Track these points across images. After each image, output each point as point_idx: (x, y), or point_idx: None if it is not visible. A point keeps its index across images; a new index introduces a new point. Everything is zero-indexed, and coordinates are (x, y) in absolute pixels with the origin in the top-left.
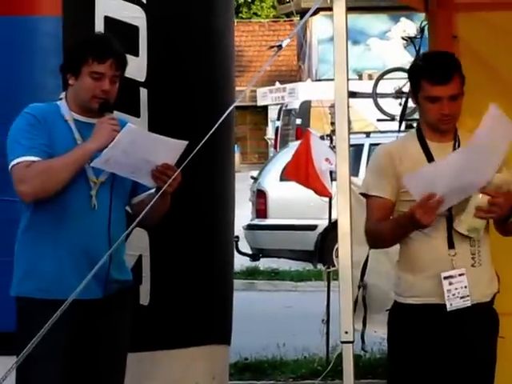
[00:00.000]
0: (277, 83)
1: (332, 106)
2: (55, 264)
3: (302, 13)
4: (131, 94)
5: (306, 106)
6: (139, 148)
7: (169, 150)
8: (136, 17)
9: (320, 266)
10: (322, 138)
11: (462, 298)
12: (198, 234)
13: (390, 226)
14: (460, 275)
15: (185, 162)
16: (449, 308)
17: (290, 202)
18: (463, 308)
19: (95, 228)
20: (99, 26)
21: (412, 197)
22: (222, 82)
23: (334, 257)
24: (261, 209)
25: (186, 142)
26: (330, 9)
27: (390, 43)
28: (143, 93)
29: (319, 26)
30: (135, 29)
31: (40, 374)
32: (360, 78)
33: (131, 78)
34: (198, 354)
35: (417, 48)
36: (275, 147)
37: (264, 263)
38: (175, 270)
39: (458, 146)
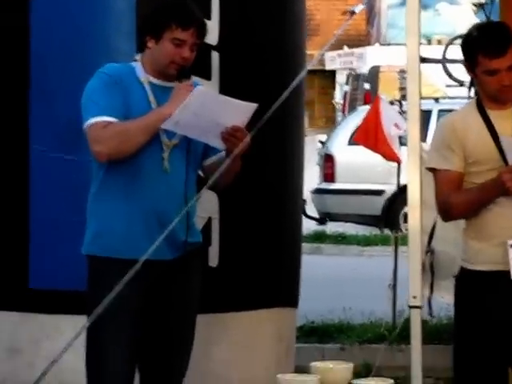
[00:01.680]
0: (345, 47)
1: (401, 71)
2: (127, 224)
3: None
4: (203, 56)
5: (374, 71)
6: (209, 110)
7: (239, 112)
8: None
9: (387, 231)
10: (391, 103)
11: None
12: (267, 196)
13: (464, 194)
14: None
15: (255, 125)
16: None
17: (358, 166)
18: None
19: (167, 190)
20: None
21: (478, 168)
22: (292, 46)
23: (400, 222)
24: (328, 173)
25: (255, 105)
26: None
27: (460, 8)
28: (215, 56)
29: None
30: None
31: (110, 335)
32: (429, 43)
33: (203, 42)
34: (265, 316)
35: (487, 14)
36: (343, 112)
37: (331, 227)
38: (244, 233)
39: None
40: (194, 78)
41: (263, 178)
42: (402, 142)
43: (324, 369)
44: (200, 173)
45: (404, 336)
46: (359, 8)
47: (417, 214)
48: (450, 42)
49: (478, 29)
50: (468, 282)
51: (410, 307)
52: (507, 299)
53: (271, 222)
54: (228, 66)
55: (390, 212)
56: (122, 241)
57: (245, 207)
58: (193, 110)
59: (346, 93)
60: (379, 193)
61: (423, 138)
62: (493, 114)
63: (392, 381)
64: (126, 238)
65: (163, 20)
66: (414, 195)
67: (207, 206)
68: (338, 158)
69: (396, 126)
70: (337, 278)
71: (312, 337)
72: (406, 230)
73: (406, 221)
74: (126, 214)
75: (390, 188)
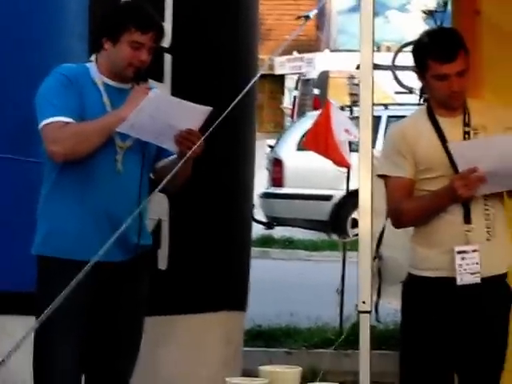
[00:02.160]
0: (294, 52)
1: (351, 77)
2: (79, 225)
3: None
4: (155, 59)
5: (324, 76)
6: (164, 113)
7: (193, 115)
8: None
9: (334, 237)
10: (341, 108)
11: (472, 273)
12: (218, 199)
13: (416, 202)
14: (473, 251)
15: (208, 128)
16: (459, 283)
17: (306, 171)
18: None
19: (120, 192)
20: None
21: (428, 175)
22: (245, 49)
23: (348, 227)
24: (277, 177)
25: (210, 108)
26: None
27: (410, 16)
28: (167, 58)
29: None
30: None
31: (59, 335)
32: (378, 49)
33: None
34: (214, 319)
35: (437, 21)
36: (292, 116)
37: (278, 232)
38: (193, 236)
39: (468, 119)
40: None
41: (214, 181)
42: (352, 147)
43: (272, 372)
44: (151, 175)
45: (351, 341)
46: (313, 13)
47: (368, 219)
48: (400, 49)
49: (428, 34)
50: (415, 288)
51: (359, 312)
52: (453, 305)
53: (221, 225)
54: (180, 69)
55: (338, 217)
56: (74, 242)
57: (195, 210)
58: (148, 113)
59: (295, 98)
60: (327, 198)
61: (373, 144)
62: (443, 122)
63: None
64: (77, 239)
65: (122, 22)
66: (365, 201)
67: (157, 208)
68: (287, 163)
69: (346, 131)
70: (284, 282)
71: (259, 341)
72: (354, 235)
73: (353, 226)
74: (78, 214)
75: (338, 193)
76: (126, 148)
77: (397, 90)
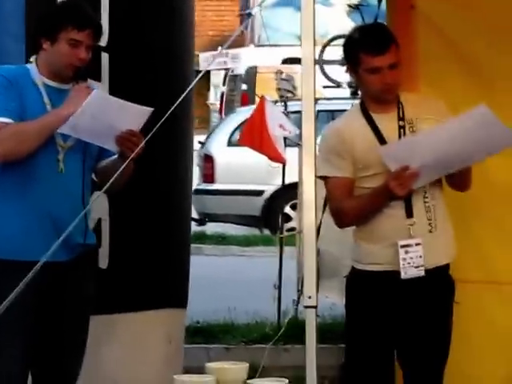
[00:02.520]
0: (219, 48)
1: (278, 72)
2: (22, 226)
3: None
4: (93, 58)
5: (251, 72)
6: (106, 114)
7: (134, 116)
8: None
9: (266, 231)
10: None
11: (416, 267)
12: (157, 198)
13: (356, 201)
14: (416, 245)
15: (148, 127)
16: (403, 276)
17: (237, 167)
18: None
19: (62, 191)
20: None
21: (367, 173)
22: (181, 47)
23: (280, 222)
24: (208, 173)
25: (151, 109)
26: None
27: (333, 9)
28: (104, 57)
29: None
30: None
31: (5, 339)
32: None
33: None
34: (155, 317)
35: (363, 16)
36: (220, 112)
37: (210, 228)
38: (133, 234)
39: (402, 113)
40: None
41: (152, 180)
42: (287, 143)
43: (219, 369)
44: (93, 175)
45: (289, 336)
46: (255, 9)
47: (311, 214)
48: (327, 43)
49: (359, 29)
50: (359, 282)
51: (305, 307)
52: (398, 298)
53: (161, 222)
54: (118, 67)
55: (270, 212)
56: (18, 243)
57: (135, 209)
58: (90, 114)
59: (222, 93)
60: (258, 193)
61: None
62: (377, 118)
63: (287, 380)
64: (21, 240)
65: (58, 21)
66: (308, 195)
67: (97, 207)
68: (218, 159)
69: (281, 126)
70: (219, 278)
71: (197, 337)
72: (287, 230)
73: (285, 221)
74: (20, 215)
75: (270, 188)
76: (67, 148)
77: (325, 85)
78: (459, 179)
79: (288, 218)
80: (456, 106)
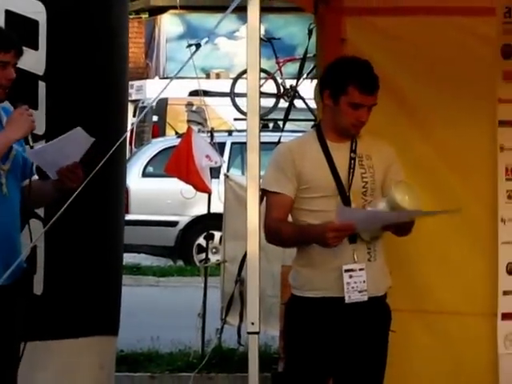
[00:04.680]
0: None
1: (188, 104)
2: None
3: (151, 10)
4: (30, 86)
5: (163, 104)
6: (69, 146)
7: (80, 145)
8: (36, 11)
9: (180, 262)
10: (178, 136)
11: (360, 292)
12: (91, 225)
13: (292, 230)
14: (360, 270)
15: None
16: (347, 301)
17: (151, 197)
18: (359, 302)
19: (7, 215)
20: (0, 20)
21: (311, 194)
22: (115, 78)
23: (194, 253)
24: None
25: (93, 139)
26: (179, 7)
27: (239, 43)
28: (41, 86)
29: (168, 25)
30: (35, 23)
31: None
32: (208, 76)
33: (30, 71)
34: (87, 344)
35: (274, 49)
36: (130, 144)
37: (125, 258)
38: (67, 261)
39: (355, 146)
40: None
41: (87, 208)
42: (213, 174)
43: None
44: None
45: (213, 364)
46: (204, 41)
47: (255, 241)
48: (239, 76)
49: (355, 63)
50: (298, 309)
51: (249, 333)
52: (336, 325)
53: (95, 250)
54: (54, 96)
55: (184, 243)
56: None
57: (69, 236)
58: (62, 146)
59: (132, 125)
60: (173, 224)
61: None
62: (331, 146)
63: None
64: None
65: None
66: (252, 222)
67: (32, 233)
68: (132, 190)
69: (207, 157)
70: (137, 308)
71: (122, 365)
72: (200, 261)
73: (199, 252)
74: None
75: (183, 219)
76: (7, 170)
77: (235, 117)
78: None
79: (201, 249)
80: (384, 136)
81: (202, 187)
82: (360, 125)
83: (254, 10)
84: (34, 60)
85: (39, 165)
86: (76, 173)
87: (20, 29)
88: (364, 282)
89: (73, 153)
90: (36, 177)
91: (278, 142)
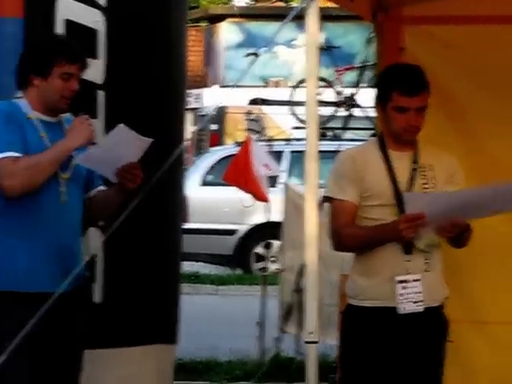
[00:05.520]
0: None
1: (248, 113)
2: (28, 258)
3: (209, 19)
4: (89, 95)
5: (222, 112)
6: (120, 146)
7: (137, 146)
8: (95, 20)
9: (239, 271)
10: (237, 144)
11: (415, 302)
12: (150, 233)
13: (365, 232)
14: (415, 280)
15: (155, 170)
16: (401, 312)
17: (210, 206)
18: (415, 312)
19: (65, 223)
20: (59, 29)
21: (371, 202)
22: (173, 87)
23: (252, 261)
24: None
25: (151, 140)
26: (238, 16)
27: (297, 51)
28: (100, 95)
29: (226, 33)
30: (94, 32)
31: (8, 369)
32: (266, 85)
33: (89, 81)
34: (146, 352)
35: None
36: (189, 152)
37: (184, 267)
38: (127, 269)
39: (417, 156)
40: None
41: (145, 216)
42: (271, 183)
43: None
44: None
45: (271, 373)
46: (261, 50)
47: (314, 250)
48: (297, 85)
49: (396, 68)
50: (355, 318)
51: (306, 342)
52: (392, 335)
53: (153, 259)
54: (114, 105)
55: (242, 252)
56: (24, 275)
57: (128, 244)
58: (109, 146)
59: (193, 134)
60: (231, 233)
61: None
62: (392, 154)
63: None
64: (27, 272)
65: (51, 56)
66: (310, 232)
67: (91, 242)
68: (191, 199)
69: (266, 166)
70: (196, 316)
71: (179, 374)
72: (258, 269)
73: (257, 261)
74: (27, 247)
75: (242, 228)
76: (66, 179)
77: (294, 126)
78: (458, 239)
79: (260, 258)
80: (440, 143)
81: (260, 196)
82: (411, 129)
83: (312, 18)
84: (93, 69)
85: (93, 169)
86: (134, 173)
87: (79, 38)
88: (420, 292)
89: (127, 153)
90: (102, 187)
91: (337, 150)
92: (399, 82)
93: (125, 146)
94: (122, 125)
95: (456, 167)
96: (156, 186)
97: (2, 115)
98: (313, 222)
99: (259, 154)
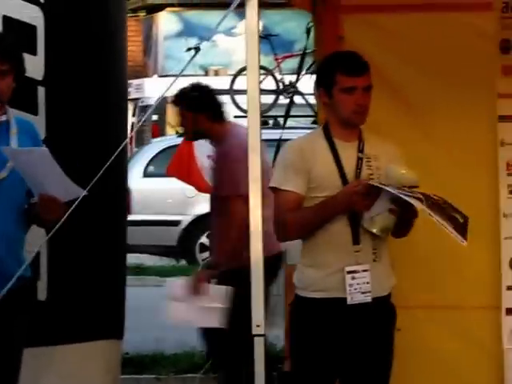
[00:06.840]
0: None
1: None
2: None
3: (148, 8)
4: (29, 92)
5: (162, 103)
6: (38, 169)
7: (61, 182)
8: (34, 16)
9: (183, 262)
10: (178, 135)
11: (363, 293)
12: (93, 228)
13: (311, 210)
14: (364, 271)
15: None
16: (349, 302)
17: (153, 197)
18: (363, 302)
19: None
20: None
21: (317, 193)
22: (115, 80)
23: (197, 252)
24: None
25: (83, 192)
26: (177, 5)
27: (237, 39)
28: (41, 91)
29: (165, 23)
30: (33, 28)
31: None
32: (206, 74)
33: (29, 77)
34: (92, 348)
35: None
36: (130, 143)
37: (128, 259)
38: (71, 265)
39: (362, 146)
40: (21, 114)
41: (89, 211)
42: None
43: None
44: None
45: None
46: (202, 44)
47: (259, 245)
48: (238, 73)
49: (337, 53)
50: (304, 310)
51: (254, 335)
52: (341, 325)
53: (98, 253)
54: (54, 101)
55: (186, 242)
56: None
57: (72, 239)
58: (33, 158)
59: (132, 124)
60: (175, 223)
61: None
62: (339, 144)
63: None
64: None
65: None
66: (255, 223)
67: (35, 240)
68: (134, 190)
69: (209, 157)
70: (141, 308)
71: (127, 368)
72: (203, 260)
73: (201, 251)
74: None
75: (186, 219)
76: (1, 179)
77: (235, 114)
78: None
79: (204, 248)
80: (385, 133)
81: (204, 188)
82: (360, 110)
83: (252, 6)
84: (32, 65)
85: (18, 169)
86: (51, 207)
87: (18, 34)
88: (368, 283)
89: (51, 183)
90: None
91: (279, 139)
92: (343, 64)
93: (45, 173)
94: (46, 149)
95: (399, 157)
96: (99, 180)
97: None
98: (257, 215)
99: (203, 146)
